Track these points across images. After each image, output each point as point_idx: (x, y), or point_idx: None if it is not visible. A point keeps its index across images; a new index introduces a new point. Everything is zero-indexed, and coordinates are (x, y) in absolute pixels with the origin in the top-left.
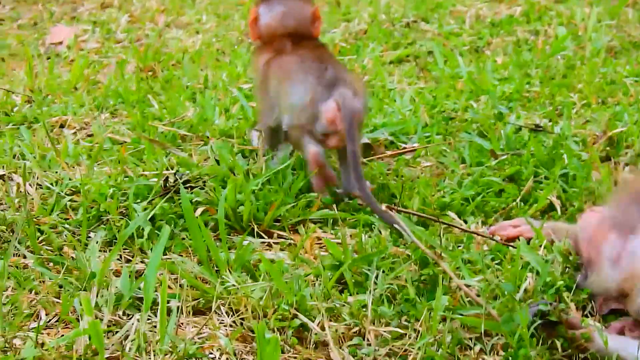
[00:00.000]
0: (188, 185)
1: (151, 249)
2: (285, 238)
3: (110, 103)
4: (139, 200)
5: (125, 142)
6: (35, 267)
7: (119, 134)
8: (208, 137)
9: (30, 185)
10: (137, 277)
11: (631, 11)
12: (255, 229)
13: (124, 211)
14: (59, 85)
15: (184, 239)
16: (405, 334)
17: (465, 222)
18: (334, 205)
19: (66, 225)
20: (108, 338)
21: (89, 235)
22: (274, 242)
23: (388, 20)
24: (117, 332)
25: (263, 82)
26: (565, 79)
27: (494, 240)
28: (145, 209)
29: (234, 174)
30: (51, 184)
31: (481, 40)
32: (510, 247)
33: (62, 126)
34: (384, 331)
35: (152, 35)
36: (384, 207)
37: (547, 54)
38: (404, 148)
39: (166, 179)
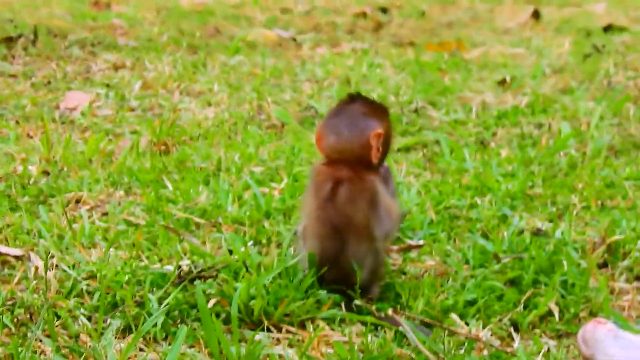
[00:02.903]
0: (202, 274)
1: (164, 338)
2: (293, 333)
3: (124, 180)
4: (153, 289)
5: (140, 224)
6: (54, 356)
7: (133, 215)
8: (220, 224)
9: (49, 269)
10: None
11: (633, 108)
12: (265, 323)
13: (139, 299)
14: (74, 156)
15: (195, 329)
16: None
17: (467, 324)
18: (343, 304)
19: (82, 310)
20: None
21: (105, 320)
22: (282, 337)
23: (397, 103)
24: None
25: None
26: (567, 178)
27: (493, 347)
28: (159, 299)
29: (247, 268)
30: (68, 267)
31: (487, 130)
32: (510, 354)
33: (77, 201)
34: None
35: (164, 104)
36: (390, 311)
37: (551, 151)
38: (410, 245)
39: (180, 268)
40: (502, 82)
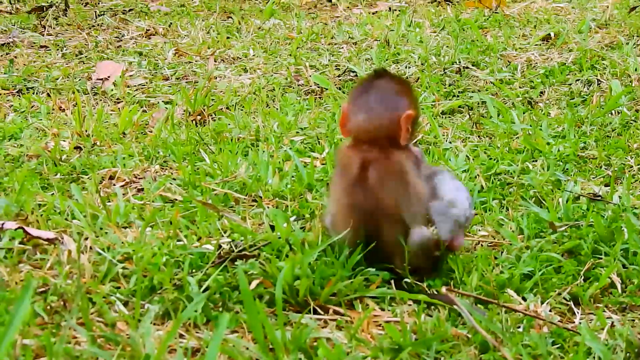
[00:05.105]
0: (243, 253)
1: (205, 324)
2: (341, 314)
3: (159, 154)
4: (193, 271)
5: (176, 200)
6: (90, 347)
7: (170, 191)
8: (261, 199)
9: (82, 252)
10: (192, 355)
11: None
12: (311, 304)
13: (178, 282)
14: (107, 130)
15: (237, 312)
16: None
17: (524, 299)
18: (392, 282)
19: (118, 295)
20: None
21: (142, 305)
22: (329, 319)
23: (439, 64)
24: None
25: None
26: (621, 138)
27: (553, 323)
28: (199, 281)
29: (290, 245)
30: (103, 250)
31: (534, 90)
32: (572, 331)
33: (111, 178)
34: None
35: (199, 72)
36: (443, 288)
37: (602, 110)
38: None
39: (220, 247)
40: (547, 39)
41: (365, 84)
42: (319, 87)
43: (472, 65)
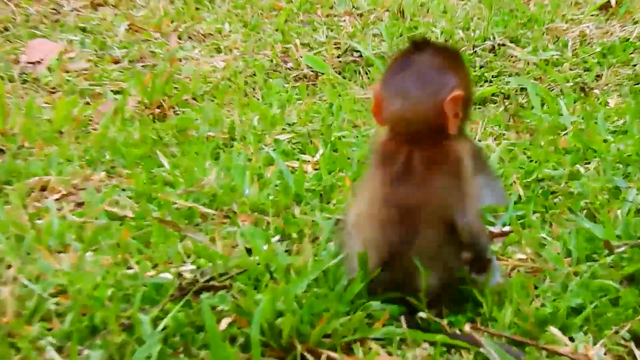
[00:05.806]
0: (211, 284)
1: None
2: None
3: (106, 158)
4: (146, 307)
5: (126, 216)
6: None
7: (118, 206)
8: (235, 214)
9: (3, 283)
10: None
11: None
12: (298, 349)
13: (127, 322)
14: (39, 127)
15: (203, 359)
16: None
17: (572, 339)
18: (402, 318)
19: (49, 339)
20: None
21: (80, 351)
22: None
23: (467, 40)
24: None
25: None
26: None
27: None
28: (154, 319)
29: (271, 273)
30: (30, 280)
31: (589, 73)
32: None
33: (43, 189)
34: None
35: (158, 52)
36: (467, 326)
37: None
38: (492, 233)
39: (181, 276)
40: (606, 7)
41: (401, 59)
42: (312, 71)
43: (510, 42)
